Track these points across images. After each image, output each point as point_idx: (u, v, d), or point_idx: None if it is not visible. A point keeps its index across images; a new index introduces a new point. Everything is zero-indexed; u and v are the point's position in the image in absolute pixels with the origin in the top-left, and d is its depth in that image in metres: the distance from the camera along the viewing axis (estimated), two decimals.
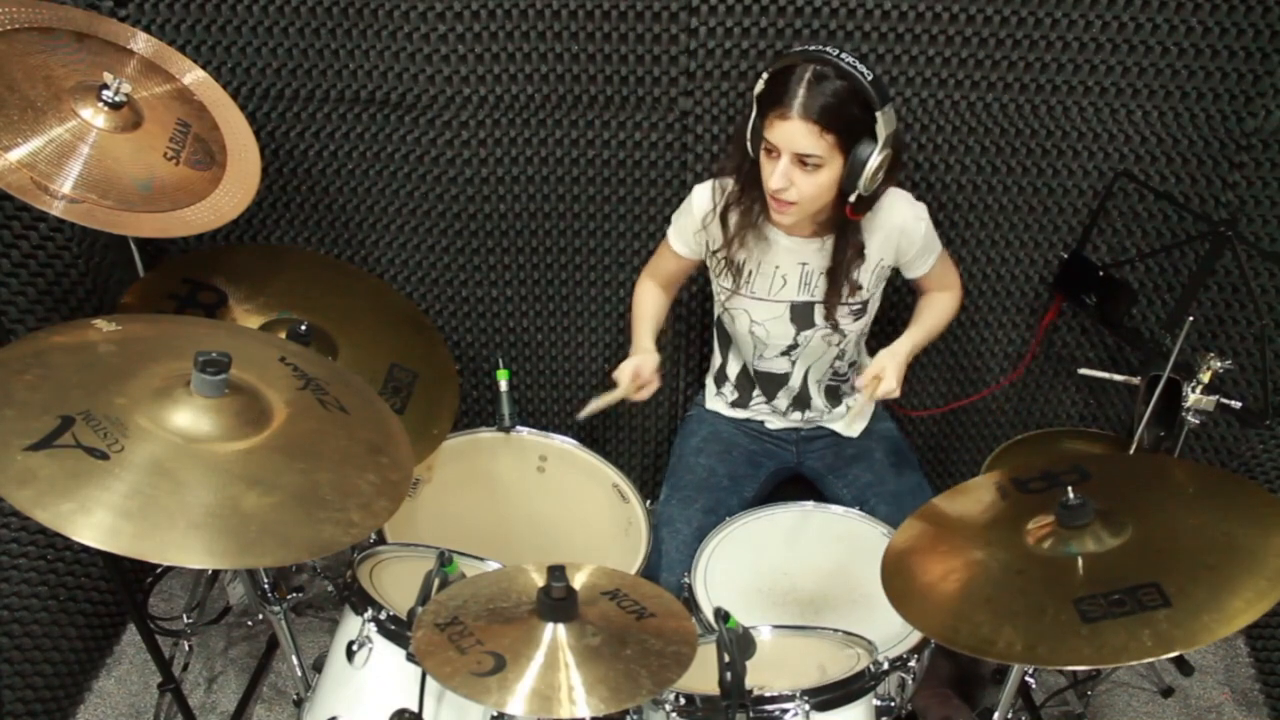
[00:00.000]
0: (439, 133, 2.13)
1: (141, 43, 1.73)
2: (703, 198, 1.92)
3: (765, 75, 1.70)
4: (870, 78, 1.64)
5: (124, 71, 1.65)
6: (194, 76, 1.77)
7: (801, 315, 1.94)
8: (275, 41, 2.03)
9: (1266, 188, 2.04)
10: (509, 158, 2.16)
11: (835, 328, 1.94)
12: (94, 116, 1.54)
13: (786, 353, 1.99)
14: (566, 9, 1.96)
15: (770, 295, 1.93)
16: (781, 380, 2.05)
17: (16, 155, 1.43)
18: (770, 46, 1.98)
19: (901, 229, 1.88)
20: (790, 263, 1.90)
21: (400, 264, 2.32)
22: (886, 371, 1.83)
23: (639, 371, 1.94)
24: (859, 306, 1.94)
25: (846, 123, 1.65)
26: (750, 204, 1.84)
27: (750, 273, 1.91)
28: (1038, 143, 2.08)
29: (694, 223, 1.94)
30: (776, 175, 1.70)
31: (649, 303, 2.10)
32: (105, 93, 1.55)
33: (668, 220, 2.21)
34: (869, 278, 1.91)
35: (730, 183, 1.87)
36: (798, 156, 1.68)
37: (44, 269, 2.00)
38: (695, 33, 1.98)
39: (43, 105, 1.49)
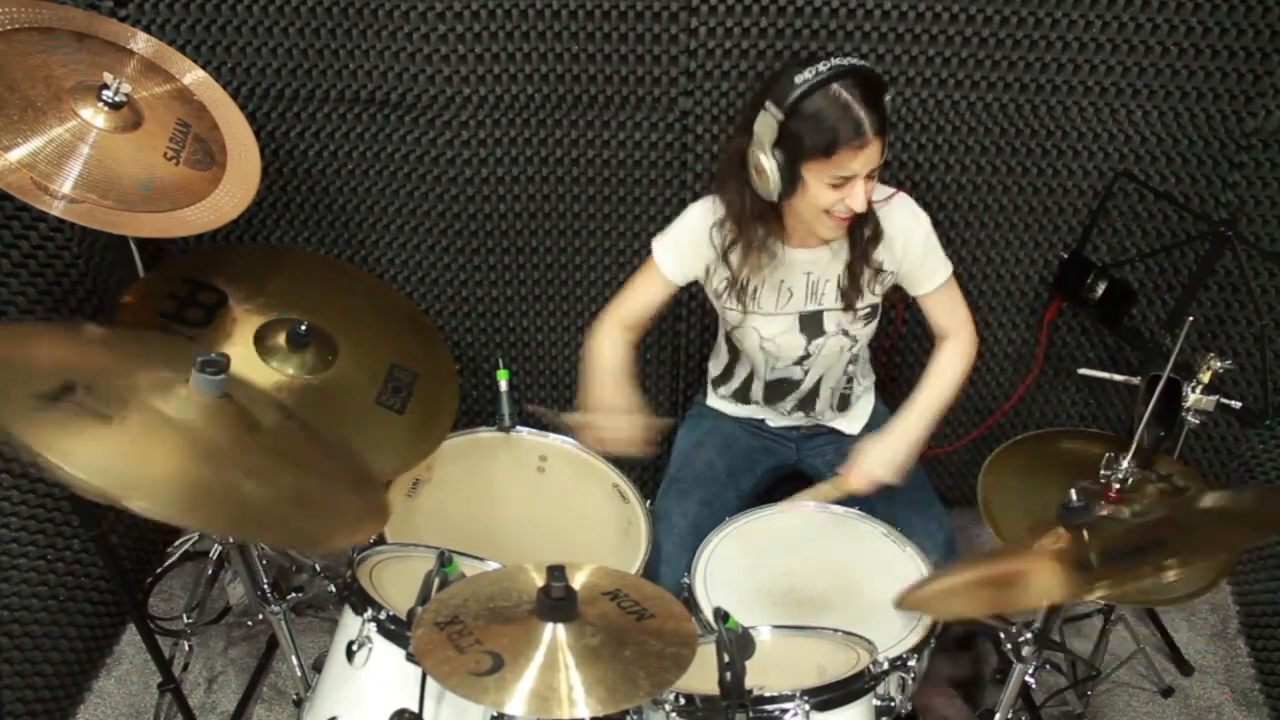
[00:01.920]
0: (439, 133, 2.13)
1: (141, 43, 1.73)
2: (703, 214, 1.86)
3: (785, 115, 1.61)
4: (869, 66, 1.66)
5: (124, 71, 1.65)
6: (194, 76, 1.77)
7: (811, 324, 1.92)
8: (275, 41, 2.03)
9: (1266, 188, 2.04)
10: (509, 158, 2.16)
11: (846, 333, 1.93)
12: (94, 116, 1.54)
13: (799, 362, 1.98)
14: (566, 9, 1.96)
15: (778, 309, 1.91)
16: (793, 385, 2.04)
17: (16, 155, 1.43)
18: (770, 46, 1.98)
19: (905, 232, 1.84)
20: (796, 274, 1.88)
21: (400, 264, 2.32)
22: (863, 469, 1.87)
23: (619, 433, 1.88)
24: (868, 311, 1.93)
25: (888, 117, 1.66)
26: (760, 228, 1.80)
27: (755, 289, 1.88)
28: (1038, 143, 2.08)
29: (694, 237, 1.86)
30: (859, 199, 1.67)
31: (618, 355, 1.95)
32: (105, 93, 1.55)
33: (667, 220, 2.21)
34: (890, 270, 1.88)
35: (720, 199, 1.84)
36: (870, 172, 1.67)
37: (44, 269, 2.00)
38: (695, 33, 1.98)
39: (43, 105, 1.49)
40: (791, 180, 1.67)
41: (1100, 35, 1.94)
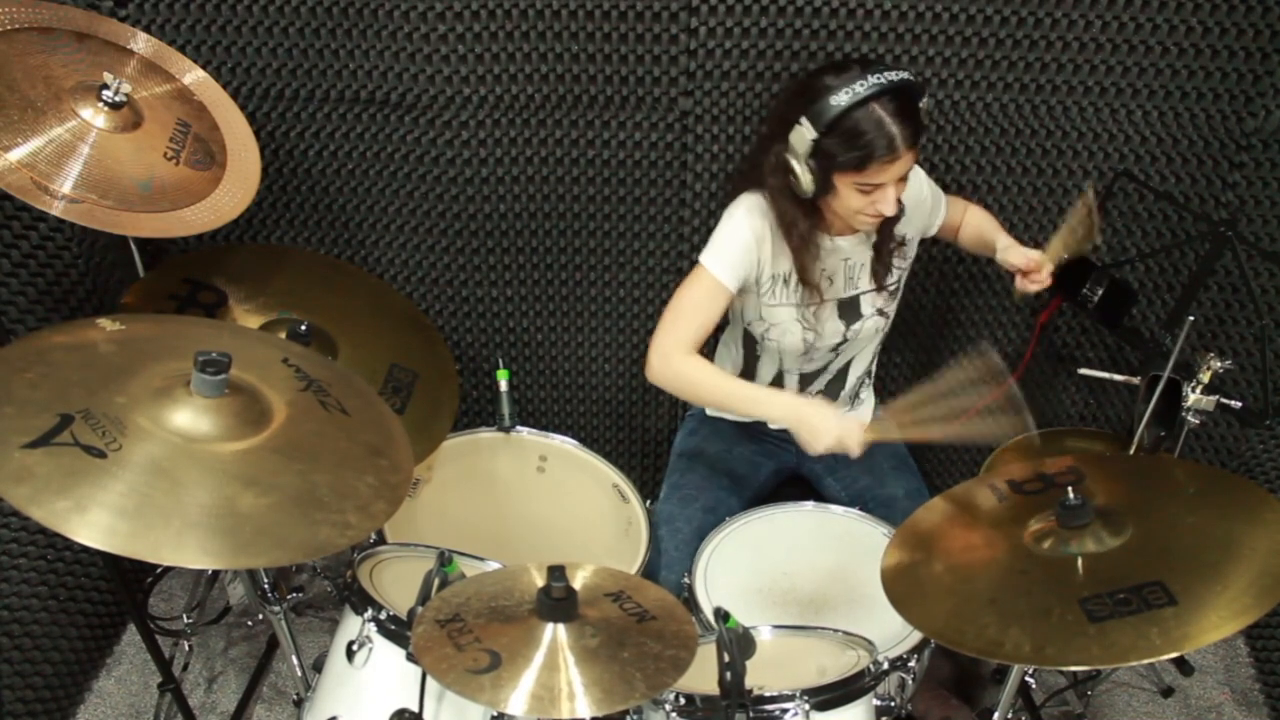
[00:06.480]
0: (439, 133, 2.13)
1: (141, 43, 1.73)
2: (746, 215, 1.84)
3: (820, 133, 1.63)
4: (911, 77, 1.66)
5: (124, 71, 1.65)
6: (194, 76, 1.77)
7: (849, 309, 1.94)
8: (275, 41, 2.03)
9: (1266, 188, 2.04)
10: (509, 158, 2.16)
11: (881, 311, 1.95)
12: (94, 116, 1.54)
13: (835, 349, 1.99)
14: (566, 9, 1.96)
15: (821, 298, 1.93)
16: (819, 371, 2.03)
17: (16, 155, 1.43)
18: (770, 46, 1.98)
19: (914, 195, 1.89)
20: (834, 262, 1.90)
21: (400, 264, 2.32)
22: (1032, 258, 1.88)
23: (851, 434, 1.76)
24: (895, 285, 1.96)
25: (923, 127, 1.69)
26: (803, 223, 1.81)
27: (799, 283, 1.89)
28: (1038, 143, 2.08)
29: (743, 239, 1.82)
30: (890, 204, 1.71)
31: (717, 368, 1.92)
32: (105, 93, 1.55)
33: (667, 220, 2.22)
34: (912, 236, 1.95)
35: (763, 198, 1.83)
36: (900, 178, 1.70)
37: (44, 269, 2.00)
38: (695, 33, 1.98)
39: (43, 105, 1.49)
40: (824, 186, 1.71)
41: (1100, 35, 1.94)
